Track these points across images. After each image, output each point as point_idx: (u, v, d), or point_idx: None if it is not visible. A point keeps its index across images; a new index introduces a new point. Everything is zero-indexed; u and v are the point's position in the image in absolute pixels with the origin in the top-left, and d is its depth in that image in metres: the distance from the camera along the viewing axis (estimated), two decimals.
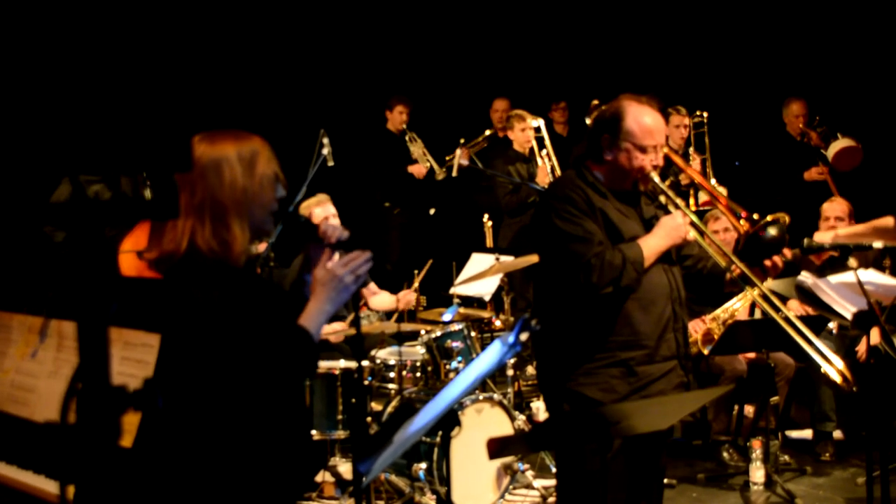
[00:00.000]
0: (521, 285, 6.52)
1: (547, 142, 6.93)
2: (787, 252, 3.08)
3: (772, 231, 2.99)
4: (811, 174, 6.90)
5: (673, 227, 2.93)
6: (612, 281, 2.82)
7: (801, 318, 3.32)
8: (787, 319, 3.06)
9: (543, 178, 6.62)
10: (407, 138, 7.49)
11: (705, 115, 6.75)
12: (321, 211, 4.84)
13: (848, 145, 6.74)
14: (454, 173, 6.70)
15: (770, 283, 3.36)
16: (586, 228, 2.87)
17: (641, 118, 2.93)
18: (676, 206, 3.02)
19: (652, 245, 2.91)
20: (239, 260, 2.05)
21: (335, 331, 4.85)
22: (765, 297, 3.08)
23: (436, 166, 7.45)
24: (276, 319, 2.07)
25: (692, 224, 2.99)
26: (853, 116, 7.09)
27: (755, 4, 7.69)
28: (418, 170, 7.42)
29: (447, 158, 7.39)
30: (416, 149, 7.47)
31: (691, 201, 6.13)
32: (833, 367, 2.97)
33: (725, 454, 5.15)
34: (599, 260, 2.81)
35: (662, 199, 3.06)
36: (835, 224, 5.45)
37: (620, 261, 2.83)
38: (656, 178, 2.96)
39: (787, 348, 5.11)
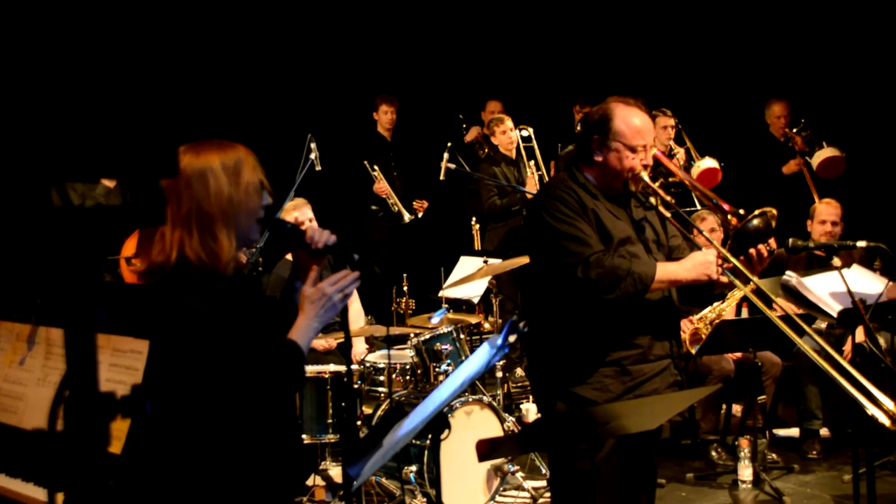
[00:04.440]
0: (508, 288, 6.52)
1: (537, 151, 6.92)
2: (773, 242, 3.06)
3: (755, 221, 2.98)
4: (789, 167, 6.93)
5: (701, 263, 2.87)
6: (608, 286, 2.78)
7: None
8: (782, 317, 3.06)
9: (533, 185, 6.58)
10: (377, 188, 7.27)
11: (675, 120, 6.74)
12: (298, 215, 4.81)
13: (832, 155, 6.74)
14: (442, 176, 6.67)
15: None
16: (580, 229, 2.86)
17: (630, 119, 2.94)
18: (667, 206, 3.02)
19: (671, 271, 2.86)
20: (227, 268, 2.06)
21: (328, 345, 4.86)
22: (758, 293, 3.07)
23: (403, 211, 7.26)
24: (265, 329, 2.08)
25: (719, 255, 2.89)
26: (835, 118, 7.13)
27: (740, 6, 7.73)
28: (382, 188, 7.24)
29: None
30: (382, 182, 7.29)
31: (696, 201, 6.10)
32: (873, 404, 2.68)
33: (714, 453, 5.17)
34: (601, 260, 2.80)
35: (653, 199, 3.06)
36: (831, 228, 5.47)
37: (625, 270, 2.79)
38: (647, 178, 2.96)
39: (774, 347, 5.15)
